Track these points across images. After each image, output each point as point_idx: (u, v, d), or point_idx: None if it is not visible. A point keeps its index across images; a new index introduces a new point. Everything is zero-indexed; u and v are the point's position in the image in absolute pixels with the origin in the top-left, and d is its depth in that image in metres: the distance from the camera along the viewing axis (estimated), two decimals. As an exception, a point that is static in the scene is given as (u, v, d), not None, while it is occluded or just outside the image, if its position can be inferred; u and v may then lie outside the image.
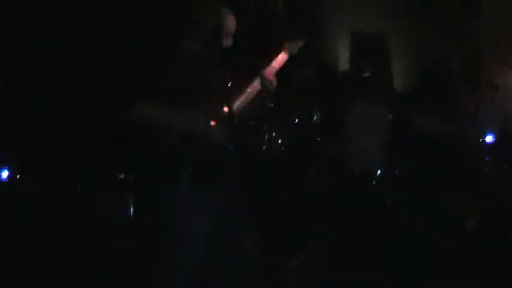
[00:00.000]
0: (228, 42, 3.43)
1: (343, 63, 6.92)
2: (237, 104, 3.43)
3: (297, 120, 5.49)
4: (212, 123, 3.24)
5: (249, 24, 3.72)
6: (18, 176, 4.93)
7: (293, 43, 3.73)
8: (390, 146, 5.19)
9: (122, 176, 4.81)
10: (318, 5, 6.68)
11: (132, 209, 4.73)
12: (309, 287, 4.19)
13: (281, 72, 3.70)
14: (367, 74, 6.19)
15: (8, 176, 4.88)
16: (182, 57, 3.29)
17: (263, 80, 3.55)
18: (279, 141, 5.29)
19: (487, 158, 4.85)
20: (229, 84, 3.38)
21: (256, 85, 3.55)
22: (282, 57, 3.71)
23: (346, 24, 6.96)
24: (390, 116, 5.32)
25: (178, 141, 3.13)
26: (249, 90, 3.56)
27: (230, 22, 3.41)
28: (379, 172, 5.01)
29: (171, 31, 3.41)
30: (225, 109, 3.30)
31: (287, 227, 4.66)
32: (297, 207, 4.93)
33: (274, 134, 5.27)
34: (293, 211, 4.87)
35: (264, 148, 5.17)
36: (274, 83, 3.55)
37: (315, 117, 5.61)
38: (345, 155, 5.30)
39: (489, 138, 5.02)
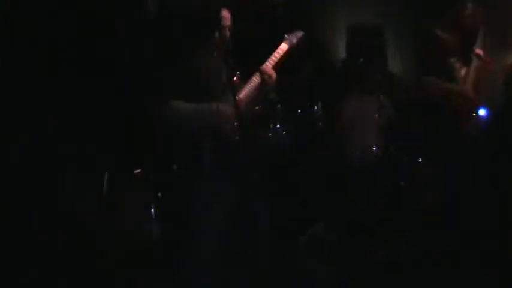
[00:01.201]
0: (227, 34, 3.77)
1: (340, 55, 7.19)
2: (240, 96, 3.78)
3: (300, 112, 5.80)
4: (224, 115, 3.60)
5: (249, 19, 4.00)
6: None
7: (292, 35, 4.07)
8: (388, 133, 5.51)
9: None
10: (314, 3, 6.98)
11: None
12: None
13: (284, 64, 4.02)
14: (361, 62, 6.48)
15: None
16: (196, 60, 3.67)
17: (262, 73, 3.90)
18: (284, 133, 5.62)
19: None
20: (235, 78, 3.72)
21: (256, 79, 3.90)
22: (282, 49, 4.04)
23: (342, 17, 7.23)
24: (385, 104, 5.62)
25: (198, 132, 3.50)
26: (250, 84, 3.90)
27: (226, 18, 3.76)
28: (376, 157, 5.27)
29: (183, 38, 3.76)
30: (233, 102, 3.64)
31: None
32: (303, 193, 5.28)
33: (278, 126, 5.59)
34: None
35: (270, 140, 5.49)
36: (274, 75, 3.89)
37: (315, 108, 5.91)
38: (344, 143, 5.62)
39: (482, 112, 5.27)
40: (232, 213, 3.62)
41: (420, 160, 4.86)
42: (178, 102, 3.65)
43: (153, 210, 4.95)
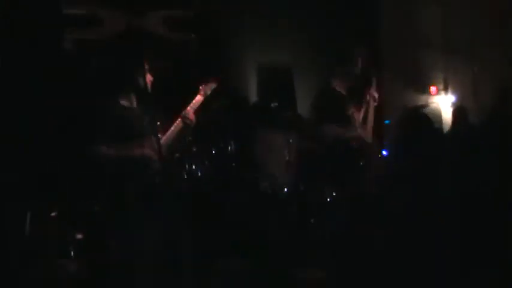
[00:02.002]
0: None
1: (253, 96, 7.62)
2: (163, 139, 4.13)
3: (214, 151, 6.14)
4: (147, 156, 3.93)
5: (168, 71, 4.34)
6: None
7: (207, 86, 4.45)
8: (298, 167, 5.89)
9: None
10: (227, 45, 7.40)
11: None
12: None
13: (198, 109, 4.40)
14: (275, 104, 6.90)
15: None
16: (122, 109, 4.00)
17: (185, 118, 4.27)
18: (198, 172, 5.94)
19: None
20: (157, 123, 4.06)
21: (178, 123, 4.27)
22: (198, 99, 4.44)
23: (254, 61, 7.67)
24: (293, 140, 6.02)
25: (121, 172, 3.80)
26: (172, 128, 4.26)
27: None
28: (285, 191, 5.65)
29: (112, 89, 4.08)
30: (156, 143, 3.98)
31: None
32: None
33: (193, 165, 5.90)
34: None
35: (184, 177, 5.79)
36: (194, 119, 4.27)
37: (229, 148, 6.27)
38: (258, 179, 5.97)
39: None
40: (156, 245, 3.91)
41: (328, 199, 5.18)
42: (103, 146, 3.93)
43: (72, 251, 5.18)
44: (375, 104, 5.36)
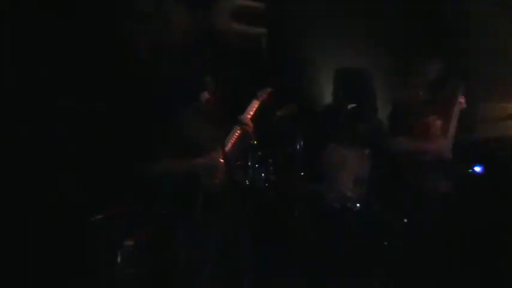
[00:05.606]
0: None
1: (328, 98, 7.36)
2: (227, 149, 4.05)
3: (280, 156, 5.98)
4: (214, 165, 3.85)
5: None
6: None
7: (263, 92, 4.41)
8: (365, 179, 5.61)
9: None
10: (303, 47, 7.21)
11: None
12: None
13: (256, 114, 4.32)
14: (353, 106, 6.58)
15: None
16: (187, 121, 3.92)
17: (242, 123, 4.19)
18: (262, 175, 5.79)
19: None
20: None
21: (236, 130, 4.19)
22: (254, 103, 4.38)
23: (330, 62, 7.44)
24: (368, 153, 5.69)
25: (191, 181, 3.74)
26: (232, 136, 4.18)
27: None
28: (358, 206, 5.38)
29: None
30: (221, 153, 3.89)
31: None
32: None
33: (257, 166, 5.76)
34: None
35: (247, 182, 5.66)
36: (251, 125, 4.20)
37: (297, 148, 6.07)
38: (323, 190, 5.70)
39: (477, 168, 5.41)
40: (218, 251, 3.90)
41: (404, 220, 4.94)
42: (170, 159, 3.89)
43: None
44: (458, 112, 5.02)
